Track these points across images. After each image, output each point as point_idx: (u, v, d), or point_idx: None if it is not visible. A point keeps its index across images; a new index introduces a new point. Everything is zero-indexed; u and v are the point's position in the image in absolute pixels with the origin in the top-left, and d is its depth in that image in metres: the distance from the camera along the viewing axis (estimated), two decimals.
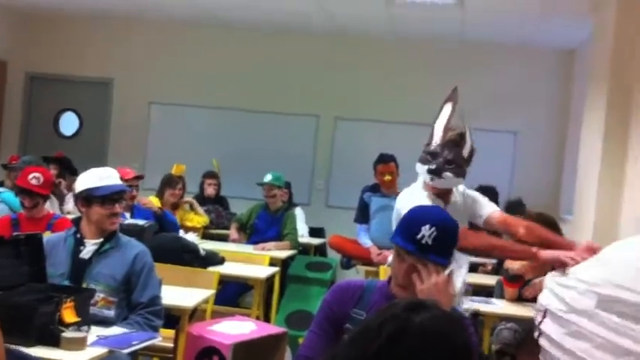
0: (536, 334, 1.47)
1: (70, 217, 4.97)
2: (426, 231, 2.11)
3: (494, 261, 5.52)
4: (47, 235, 3.38)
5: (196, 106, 8.19)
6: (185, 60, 8.24)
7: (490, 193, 6.35)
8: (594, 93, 5.38)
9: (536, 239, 2.92)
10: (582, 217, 5.35)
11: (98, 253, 3.15)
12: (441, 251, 2.14)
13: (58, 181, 6.30)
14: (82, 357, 2.60)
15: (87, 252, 3.15)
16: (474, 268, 5.50)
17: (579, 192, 5.61)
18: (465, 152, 3.11)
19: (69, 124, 8.60)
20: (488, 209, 3.17)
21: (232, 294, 5.69)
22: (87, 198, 3.17)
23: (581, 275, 1.39)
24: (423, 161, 3.10)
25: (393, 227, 2.97)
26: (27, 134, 8.62)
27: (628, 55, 4.84)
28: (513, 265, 4.08)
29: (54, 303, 2.72)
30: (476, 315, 4.10)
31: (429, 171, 3.05)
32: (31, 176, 4.16)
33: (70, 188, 6.36)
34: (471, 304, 4.04)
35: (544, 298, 1.47)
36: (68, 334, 2.67)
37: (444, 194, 3.13)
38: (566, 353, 1.33)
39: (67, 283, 3.08)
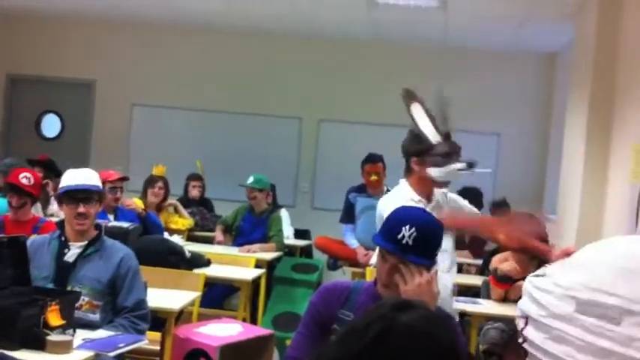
0: (520, 340, 1.48)
1: (54, 219, 4.93)
2: (406, 231, 2.12)
3: (479, 262, 5.55)
4: (31, 238, 3.34)
5: (179, 108, 8.17)
6: (167, 62, 8.21)
7: (474, 194, 6.39)
8: (576, 96, 5.43)
9: (516, 244, 3.03)
10: (566, 217, 5.40)
11: (82, 256, 3.11)
12: (421, 252, 2.14)
13: (45, 182, 6.27)
14: None
15: (71, 255, 3.11)
16: (458, 269, 5.52)
17: (563, 192, 5.66)
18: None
19: (51, 126, 8.53)
20: (470, 211, 3.19)
21: (218, 296, 5.66)
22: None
23: (558, 279, 1.40)
24: (441, 164, 3.05)
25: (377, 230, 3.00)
26: (8, 137, 8.53)
27: (609, 58, 4.88)
28: (503, 266, 4.09)
29: (38, 306, 2.69)
30: (463, 315, 4.12)
31: (469, 165, 3.05)
32: (22, 175, 4.16)
33: (55, 190, 6.31)
34: (457, 305, 4.06)
35: (524, 304, 1.49)
36: (53, 337, 2.64)
37: (428, 194, 3.14)
38: (549, 356, 1.35)
39: (51, 286, 3.05)
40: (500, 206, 5.60)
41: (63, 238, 3.14)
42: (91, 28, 8.27)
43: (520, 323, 1.48)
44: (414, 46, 7.74)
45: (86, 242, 3.14)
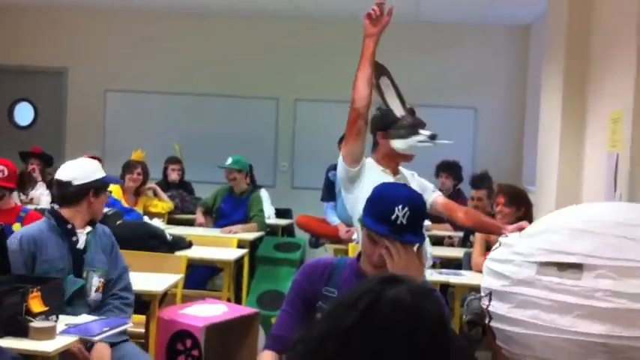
0: (487, 320, 1.50)
1: (32, 206, 4.88)
2: (400, 211, 2.09)
3: (460, 234, 5.59)
4: (22, 229, 3.28)
5: (154, 93, 8.09)
6: (140, 46, 8.11)
7: (455, 167, 6.44)
8: (551, 67, 5.45)
9: (474, 222, 3.26)
10: (545, 188, 5.44)
11: (87, 241, 3.14)
12: (414, 230, 2.12)
13: (32, 169, 6.23)
14: (51, 346, 2.58)
15: (82, 242, 3.12)
16: (439, 242, 5.57)
17: (540, 164, 5.70)
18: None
19: (24, 114, 8.41)
20: (434, 194, 3.23)
21: (201, 277, 5.66)
22: (100, 187, 3.17)
23: (517, 248, 1.44)
24: (406, 135, 3.12)
25: (344, 199, 3.12)
26: None
27: (583, 26, 4.90)
28: None
29: (19, 294, 2.68)
30: (446, 287, 4.16)
31: (431, 137, 3.11)
32: None
33: (44, 177, 6.27)
34: (440, 277, 4.10)
35: (485, 282, 1.52)
36: (36, 323, 2.64)
37: (395, 167, 3.19)
38: (516, 324, 1.38)
39: (71, 277, 3.04)
40: (481, 180, 5.61)
41: (69, 226, 3.11)
42: (60, 15, 8.15)
43: (485, 301, 1.50)
44: (388, 24, 7.70)
45: (90, 228, 3.17)
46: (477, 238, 4.37)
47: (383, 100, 3.17)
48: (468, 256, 4.48)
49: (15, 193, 4.62)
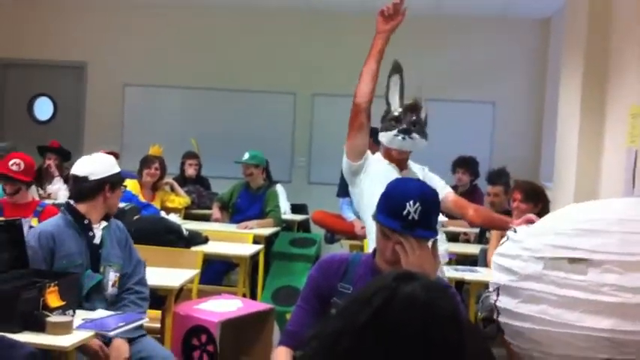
0: (495, 315, 1.50)
1: (49, 201, 4.91)
2: (411, 207, 2.08)
3: (475, 230, 5.56)
4: (39, 225, 3.29)
5: (172, 87, 8.12)
6: (158, 41, 8.14)
7: (471, 163, 6.40)
8: (570, 61, 5.40)
9: (483, 220, 3.28)
10: (562, 184, 5.40)
11: (102, 236, 3.16)
12: (426, 225, 2.11)
13: (49, 164, 6.28)
14: (68, 341, 2.59)
15: (98, 237, 3.14)
16: (455, 238, 5.54)
17: (559, 160, 5.66)
18: (423, 116, 3.18)
19: (43, 109, 8.49)
20: (444, 190, 3.22)
21: (217, 273, 5.68)
22: (115, 182, 3.20)
23: (524, 244, 1.43)
24: (388, 128, 3.14)
25: (351, 194, 3.16)
26: (1, 121, 8.49)
27: (603, 20, 4.85)
28: None
29: (37, 288, 2.70)
30: (461, 283, 4.14)
31: (401, 131, 3.08)
32: (11, 162, 4.08)
33: (61, 171, 6.33)
34: (455, 273, 4.08)
35: (494, 277, 1.52)
36: (53, 318, 2.65)
37: (400, 162, 3.15)
38: (524, 319, 1.38)
39: (89, 272, 3.06)
40: (498, 176, 5.57)
41: (86, 222, 3.12)
42: (79, 10, 8.19)
43: (493, 296, 1.50)
44: (407, 17, 7.65)
45: (105, 223, 3.18)
46: (493, 234, 4.34)
47: (385, 97, 3.18)
48: (484, 252, 4.45)
49: (33, 188, 4.66)
